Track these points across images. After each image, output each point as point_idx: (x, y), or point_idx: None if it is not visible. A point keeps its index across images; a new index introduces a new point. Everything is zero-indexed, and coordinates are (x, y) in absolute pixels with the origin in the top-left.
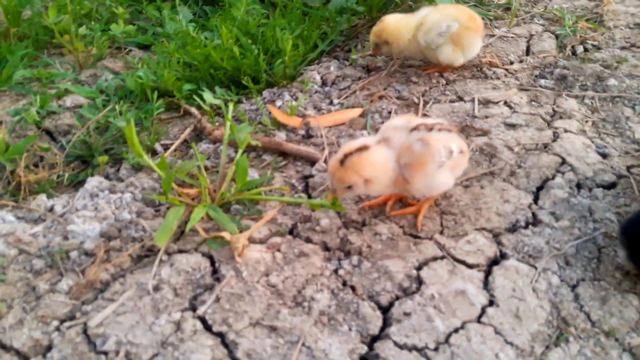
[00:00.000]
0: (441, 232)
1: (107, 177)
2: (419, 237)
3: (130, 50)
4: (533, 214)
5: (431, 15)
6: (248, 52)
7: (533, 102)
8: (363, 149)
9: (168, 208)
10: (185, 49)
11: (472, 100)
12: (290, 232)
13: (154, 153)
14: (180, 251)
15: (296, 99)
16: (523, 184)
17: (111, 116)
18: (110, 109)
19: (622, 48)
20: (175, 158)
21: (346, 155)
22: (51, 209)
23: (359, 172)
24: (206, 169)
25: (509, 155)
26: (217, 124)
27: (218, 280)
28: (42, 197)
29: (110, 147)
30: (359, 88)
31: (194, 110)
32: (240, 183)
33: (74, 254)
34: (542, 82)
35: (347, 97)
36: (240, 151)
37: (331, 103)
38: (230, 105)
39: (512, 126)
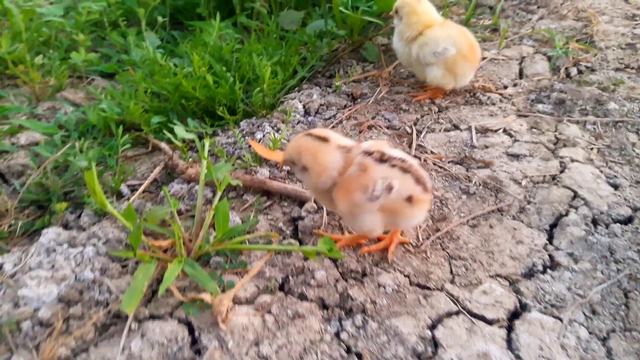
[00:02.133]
0: (452, 281)
1: (66, 225)
2: (428, 288)
3: (93, 80)
4: (550, 255)
5: (433, 30)
6: (222, 80)
7: (534, 130)
8: (322, 139)
9: (137, 263)
10: (152, 78)
11: (469, 128)
12: (281, 288)
13: (119, 196)
14: (153, 317)
15: (278, 131)
16: (535, 222)
17: (71, 154)
18: (70, 146)
19: (617, 69)
20: (144, 201)
21: (309, 134)
22: (0, 268)
23: (300, 155)
24: (179, 213)
25: (516, 189)
26: (190, 160)
27: (199, 352)
28: None
29: (71, 189)
30: (346, 117)
31: (164, 145)
32: (221, 232)
33: (26, 325)
34: (540, 107)
35: (333, 127)
36: (219, 193)
37: None
38: (207, 142)
39: (515, 156)
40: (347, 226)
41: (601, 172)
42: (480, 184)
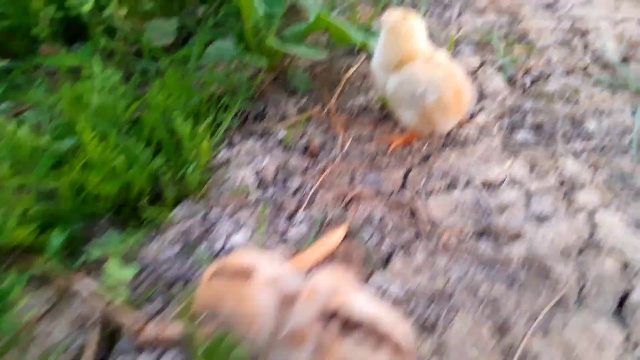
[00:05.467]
0: None
1: None
2: None
3: None
4: None
5: (415, 65)
6: (139, 159)
7: (535, 172)
8: (243, 275)
9: None
10: (22, 171)
11: (469, 184)
12: None
13: None
14: None
15: (242, 227)
16: (602, 308)
17: None
18: None
19: (567, 73)
20: None
21: (222, 269)
22: None
23: (216, 305)
24: None
25: (564, 268)
26: (142, 314)
27: None
28: None
29: None
30: (319, 186)
31: (80, 287)
32: None
33: None
34: (520, 136)
35: (309, 204)
36: None
37: (290, 218)
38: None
39: (540, 219)
40: None
41: (624, 218)
42: (524, 266)
